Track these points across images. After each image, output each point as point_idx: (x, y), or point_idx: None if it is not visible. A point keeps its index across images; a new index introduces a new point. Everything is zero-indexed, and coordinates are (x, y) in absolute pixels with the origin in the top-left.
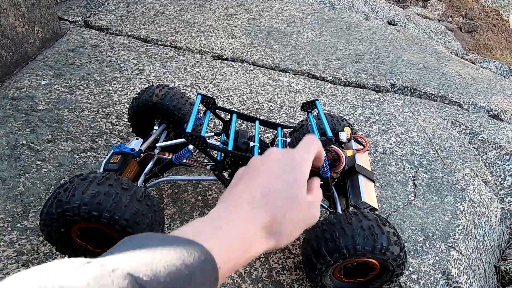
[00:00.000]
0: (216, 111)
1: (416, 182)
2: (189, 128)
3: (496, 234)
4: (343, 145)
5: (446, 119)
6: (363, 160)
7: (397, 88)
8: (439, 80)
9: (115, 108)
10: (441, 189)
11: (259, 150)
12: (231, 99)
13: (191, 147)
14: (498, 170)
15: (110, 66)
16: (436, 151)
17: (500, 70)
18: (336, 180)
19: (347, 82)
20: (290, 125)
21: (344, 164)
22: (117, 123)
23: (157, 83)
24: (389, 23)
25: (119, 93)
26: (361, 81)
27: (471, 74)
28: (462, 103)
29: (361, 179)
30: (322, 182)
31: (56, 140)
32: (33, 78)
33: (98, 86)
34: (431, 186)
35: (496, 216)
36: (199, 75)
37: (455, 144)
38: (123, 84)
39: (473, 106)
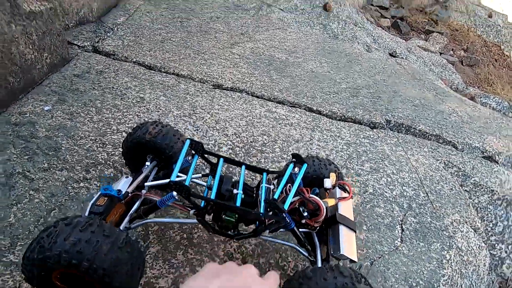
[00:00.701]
0: (205, 155)
1: (403, 227)
2: (173, 177)
3: (485, 284)
4: (327, 191)
5: (439, 159)
6: (346, 208)
7: (392, 124)
8: (435, 118)
9: (112, 137)
10: (428, 235)
11: (243, 196)
12: (227, 130)
13: (175, 193)
14: (489, 215)
15: (112, 92)
16: (427, 193)
17: (500, 106)
18: (317, 228)
19: (343, 117)
20: (275, 170)
21: (324, 215)
22: (113, 152)
23: (156, 114)
24: (391, 55)
25: (118, 121)
26: (357, 116)
27: (468, 112)
28: (456, 143)
29: (342, 230)
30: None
31: (51, 169)
32: (36, 103)
33: (98, 113)
34: (419, 232)
35: (485, 265)
36: (197, 105)
37: (446, 187)
38: (122, 112)
39: (467, 147)
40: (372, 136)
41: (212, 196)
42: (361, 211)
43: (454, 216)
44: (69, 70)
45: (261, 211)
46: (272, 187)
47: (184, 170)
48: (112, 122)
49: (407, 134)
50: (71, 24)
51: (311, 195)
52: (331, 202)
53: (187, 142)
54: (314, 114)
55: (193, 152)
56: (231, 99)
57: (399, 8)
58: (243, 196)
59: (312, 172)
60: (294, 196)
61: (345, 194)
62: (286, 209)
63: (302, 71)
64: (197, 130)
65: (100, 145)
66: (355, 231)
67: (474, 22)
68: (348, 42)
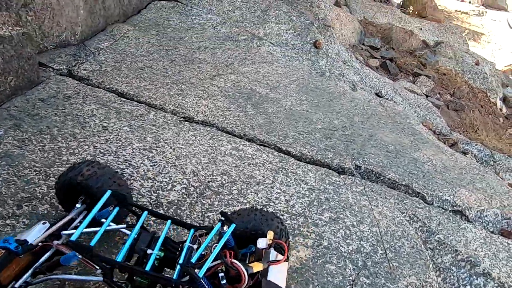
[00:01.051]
0: (129, 206)
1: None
2: (74, 236)
3: None
4: (264, 250)
5: (404, 212)
6: (279, 272)
7: (362, 170)
8: (407, 166)
9: (59, 168)
10: None
11: (159, 256)
12: (185, 168)
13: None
14: (452, 277)
15: (74, 120)
16: (385, 250)
17: (482, 153)
18: None
19: (311, 159)
20: (205, 226)
21: (246, 283)
22: (54, 186)
23: (114, 146)
24: (377, 95)
25: (71, 151)
26: (326, 160)
27: (444, 160)
28: (425, 194)
29: None
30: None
31: None
32: None
33: (52, 141)
34: None
35: None
36: (161, 138)
37: (407, 244)
38: (79, 141)
39: (437, 199)
40: (338, 182)
41: (119, 258)
42: (311, 267)
43: (411, 278)
44: (35, 93)
45: (175, 276)
46: (195, 246)
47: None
48: (64, 152)
49: (376, 182)
50: (50, 47)
51: (233, 260)
52: (257, 267)
53: (107, 194)
54: (282, 154)
55: (116, 203)
56: (199, 133)
57: (389, 50)
58: (160, 255)
59: (251, 227)
60: (214, 260)
61: (280, 257)
62: (202, 274)
63: (280, 107)
64: (154, 165)
65: (43, 177)
66: None
67: (462, 67)
68: (333, 80)
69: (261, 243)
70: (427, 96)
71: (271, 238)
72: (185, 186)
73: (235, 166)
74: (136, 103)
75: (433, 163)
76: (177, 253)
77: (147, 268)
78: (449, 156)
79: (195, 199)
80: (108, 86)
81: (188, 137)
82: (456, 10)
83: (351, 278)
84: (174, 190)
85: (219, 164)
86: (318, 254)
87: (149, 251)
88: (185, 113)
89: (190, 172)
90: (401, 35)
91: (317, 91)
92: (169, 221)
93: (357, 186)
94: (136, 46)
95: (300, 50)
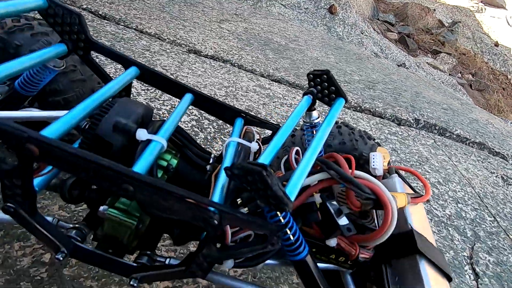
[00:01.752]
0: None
1: (476, 269)
2: None
3: None
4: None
5: (494, 172)
6: (421, 220)
7: (421, 124)
8: (470, 124)
9: None
10: None
11: (168, 163)
12: None
13: None
14: None
15: None
16: (494, 217)
17: None
18: (355, 265)
19: (358, 108)
20: (261, 119)
21: (392, 227)
22: None
23: None
24: (399, 66)
25: None
26: (377, 109)
27: (503, 126)
28: (506, 155)
29: (427, 273)
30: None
31: None
32: None
33: None
34: (504, 280)
35: None
36: (158, 63)
37: None
38: None
39: None
40: (400, 133)
41: (60, 130)
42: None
43: None
44: None
45: (215, 199)
46: (254, 146)
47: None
48: None
49: (444, 137)
50: None
51: (359, 173)
52: (401, 200)
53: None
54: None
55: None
56: (209, 66)
57: (405, 25)
58: (172, 162)
59: (337, 146)
60: (311, 173)
61: (412, 193)
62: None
63: (305, 57)
64: (149, 89)
65: None
66: (450, 278)
67: (480, 48)
68: (354, 45)
69: (375, 161)
70: (449, 74)
71: (387, 157)
72: (196, 117)
73: (263, 104)
74: (123, 27)
75: (495, 126)
76: (206, 168)
77: (141, 168)
78: (504, 122)
79: (211, 134)
80: (85, 6)
81: (195, 67)
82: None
83: (465, 254)
84: (183, 123)
85: (241, 99)
86: None
87: (141, 133)
88: (190, 46)
89: None
90: (417, 12)
91: (341, 50)
92: (189, 94)
93: (426, 139)
94: None
95: (314, 15)
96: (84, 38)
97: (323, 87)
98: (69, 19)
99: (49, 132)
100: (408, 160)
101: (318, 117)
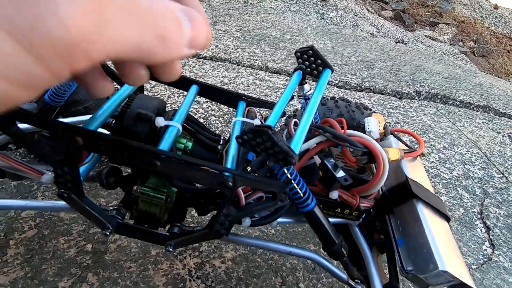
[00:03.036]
0: None
1: (487, 222)
2: None
3: None
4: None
5: (500, 132)
6: (417, 171)
7: (423, 95)
8: (474, 89)
9: None
10: None
11: (182, 145)
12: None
13: None
14: None
15: None
16: (502, 173)
17: None
18: (363, 216)
19: (358, 87)
20: (262, 99)
21: (385, 176)
22: None
23: None
24: (397, 43)
25: None
26: (377, 86)
27: (508, 87)
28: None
29: (425, 214)
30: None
31: None
32: None
33: None
34: None
35: None
36: None
37: None
38: None
39: None
40: (402, 106)
41: (94, 126)
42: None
43: None
44: None
45: (228, 165)
46: (257, 122)
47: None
48: None
49: (447, 104)
50: None
51: (351, 132)
52: (393, 154)
53: None
54: None
55: None
56: (209, 67)
57: (399, 1)
58: (188, 145)
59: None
60: (309, 138)
61: (407, 149)
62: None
63: (301, 46)
64: (156, 94)
65: None
66: (448, 219)
67: (480, 14)
68: (350, 28)
69: (371, 124)
70: (450, 44)
71: (382, 121)
72: (203, 115)
73: (265, 95)
74: None
75: (499, 88)
76: (218, 148)
77: (163, 148)
78: (510, 84)
79: (219, 129)
80: None
81: (196, 70)
82: None
83: (475, 210)
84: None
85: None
86: None
87: (160, 120)
88: None
89: (206, 101)
90: None
91: (336, 35)
92: (195, 86)
93: (428, 108)
94: None
95: (305, 4)
96: None
97: (310, 61)
98: None
99: (86, 127)
100: (412, 130)
101: (310, 89)
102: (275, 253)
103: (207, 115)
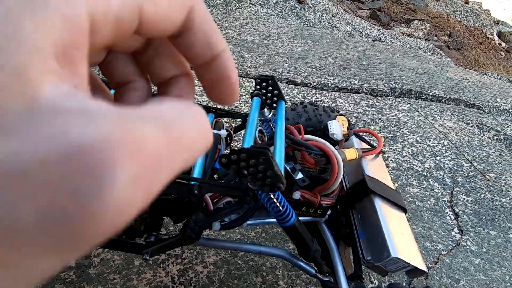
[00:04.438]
0: None
1: (456, 210)
2: None
3: None
4: (336, 147)
5: (469, 123)
6: (377, 168)
7: (398, 92)
8: (445, 83)
9: None
10: (497, 217)
11: None
12: None
13: None
14: None
15: None
16: (471, 162)
17: (501, 80)
18: (328, 212)
19: (335, 88)
20: (229, 110)
21: (340, 175)
22: None
23: None
24: (374, 41)
25: None
26: (353, 86)
27: (479, 79)
28: (481, 105)
29: (381, 207)
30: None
31: None
32: None
33: None
34: (481, 214)
35: None
36: None
37: (493, 152)
38: None
39: (495, 109)
40: (377, 104)
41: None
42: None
43: None
44: None
45: (195, 174)
46: (223, 132)
47: None
48: None
49: (420, 99)
50: None
51: (308, 136)
52: (350, 154)
53: None
54: (299, 86)
55: None
56: None
57: (375, 0)
58: None
59: (304, 123)
60: (271, 144)
61: (368, 147)
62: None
63: (280, 50)
64: None
65: None
66: (405, 210)
67: (452, 9)
68: (328, 29)
69: (334, 127)
70: (425, 39)
71: (345, 123)
72: None
73: (245, 101)
74: None
75: (469, 80)
76: None
77: None
78: (480, 76)
79: None
80: None
81: None
82: None
83: (445, 198)
84: None
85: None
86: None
87: None
88: None
89: None
90: None
91: (315, 37)
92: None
93: (402, 104)
94: None
95: (283, 8)
96: None
97: (268, 90)
98: None
99: None
100: (386, 127)
101: (270, 113)
102: (250, 253)
103: None
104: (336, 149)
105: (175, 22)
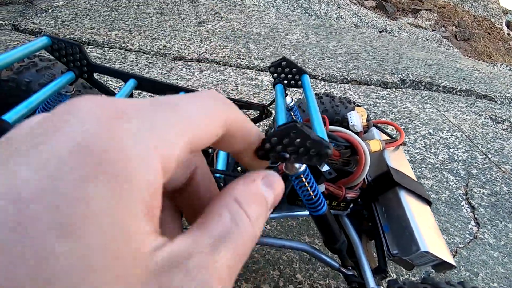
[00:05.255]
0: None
1: (472, 202)
2: None
3: None
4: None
5: (482, 114)
6: (399, 160)
7: (408, 84)
8: (456, 74)
9: None
10: None
11: None
12: None
13: None
14: None
15: None
16: (485, 154)
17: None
18: (351, 206)
19: (344, 80)
20: (251, 101)
21: (367, 167)
22: None
23: None
24: (381, 32)
25: None
26: (362, 78)
27: (489, 70)
28: (493, 96)
29: (407, 200)
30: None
31: None
32: None
33: None
34: (498, 207)
35: None
36: (147, 75)
37: (507, 144)
38: None
39: (507, 100)
40: (387, 96)
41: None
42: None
43: None
44: None
45: (219, 166)
46: None
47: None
48: None
49: (430, 91)
50: None
51: (333, 127)
52: (374, 145)
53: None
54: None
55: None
56: (196, 69)
57: None
58: None
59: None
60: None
61: (389, 139)
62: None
63: (286, 42)
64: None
65: None
66: (429, 203)
67: None
68: (334, 20)
69: (354, 118)
70: (432, 30)
71: (364, 115)
72: None
73: (254, 93)
74: (107, 48)
75: (480, 71)
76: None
77: None
78: (490, 67)
79: None
80: (68, 36)
81: (183, 73)
82: None
83: (460, 191)
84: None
85: (231, 93)
86: None
87: None
88: (174, 54)
89: None
90: None
91: (321, 29)
92: (132, 80)
93: (412, 96)
94: (100, 3)
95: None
96: (87, 63)
97: (286, 72)
98: (71, 50)
99: None
100: (397, 118)
101: (292, 100)
102: (271, 247)
103: None
104: (364, 140)
105: (217, 136)
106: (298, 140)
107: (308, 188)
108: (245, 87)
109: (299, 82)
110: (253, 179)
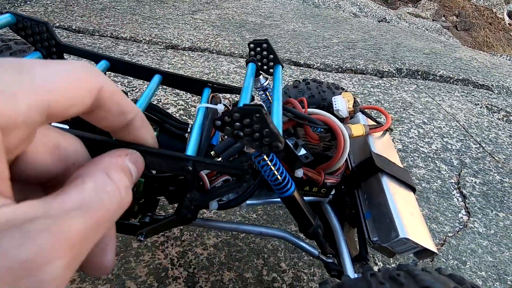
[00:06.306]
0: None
1: (463, 191)
2: None
3: None
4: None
5: (478, 104)
6: (384, 146)
7: (404, 73)
8: (453, 63)
9: None
10: (506, 199)
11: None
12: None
13: None
14: None
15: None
16: (479, 143)
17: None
18: (332, 192)
19: (339, 69)
20: (226, 85)
21: (346, 151)
22: None
23: None
24: (380, 22)
25: None
26: (358, 67)
27: (488, 59)
28: (490, 86)
29: (389, 186)
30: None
31: None
32: None
33: None
34: (490, 196)
35: None
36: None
37: (502, 134)
38: None
39: (504, 90)
40: (382, 85)
41: None
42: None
43: None
44: None
45: (189, 151)
46: (220, 107)
47: None
48: None
49: (427, 80)
50: None
51: (312, 110)
52: (357, 130)
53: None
54: (302, 67)
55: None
56: (188, 58)
57: None
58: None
59: (308, 100)
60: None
61: (375, 124)
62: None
63: (282, 30)
64: (135, 89)
65: None
66: (413, 189)
67: None
68: (332, 9)
69: (338, 103)
70: (433, 19)
71: (351, 100)
72: (183, 107)
73: (242, 80)
74: (98, 37)
75: (479, 61)
76: (185, 136)
77: None
78: (489, 56)
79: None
80: (58, 24)
81: (175, 61)
82: None
83: (452, 180)
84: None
85: (223, 82)
86: None
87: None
88: (166, 42)
89: (185, 93)
90: None
91: (318, 18)
92: (158, 76)
93: (408, 85)
94: None
95: None
96: (55, 43)
97: (263, 55)
98: (38, 28)
99: None
100: (392, 107)
101: (266, 81)
102: (252, 236)
103: (187, 106)
104: (344, 124)
105: (84, 105)
106: (257, 125)
107: (272, 167)
108: (238, 75)
109: (271, 70)
110: (119, 155)
